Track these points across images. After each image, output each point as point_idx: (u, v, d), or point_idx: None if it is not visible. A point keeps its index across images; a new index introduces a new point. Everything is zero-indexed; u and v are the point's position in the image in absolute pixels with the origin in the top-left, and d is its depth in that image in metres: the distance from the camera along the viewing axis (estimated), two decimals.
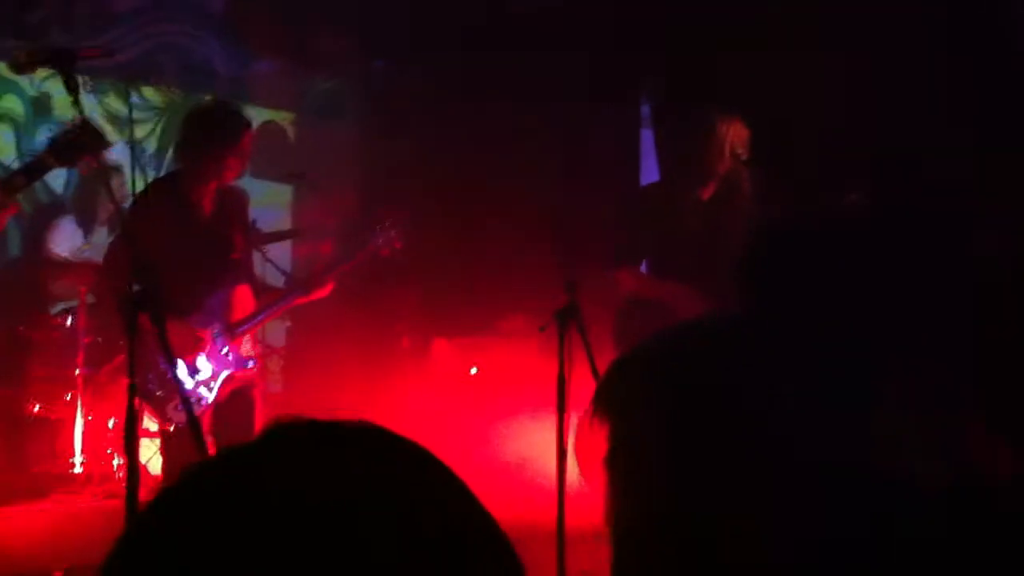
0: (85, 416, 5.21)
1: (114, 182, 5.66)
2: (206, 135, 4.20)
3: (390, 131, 7.47)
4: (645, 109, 7.02)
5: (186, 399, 2.86)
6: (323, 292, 4.40)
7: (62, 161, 3.10)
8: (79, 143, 3.06)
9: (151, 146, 7.21)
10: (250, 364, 4.28)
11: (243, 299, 4.34)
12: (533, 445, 5.02)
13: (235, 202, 4.48)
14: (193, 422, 2.81)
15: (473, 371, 6.51)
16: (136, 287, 2.78)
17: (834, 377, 1.01)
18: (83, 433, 5.21)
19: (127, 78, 6.94)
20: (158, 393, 3.99)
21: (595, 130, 6.62)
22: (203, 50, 7.40)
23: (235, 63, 7.55)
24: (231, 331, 4.23)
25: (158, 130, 7.21)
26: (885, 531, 0.98)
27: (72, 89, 2.95)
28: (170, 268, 4.11)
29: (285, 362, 7.16)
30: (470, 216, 6.77)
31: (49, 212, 6.36)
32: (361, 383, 6.59)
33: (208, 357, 4.17)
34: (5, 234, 6.33)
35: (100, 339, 5.35)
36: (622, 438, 1.00)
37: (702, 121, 4.25)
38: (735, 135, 4.21)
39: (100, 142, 3.14)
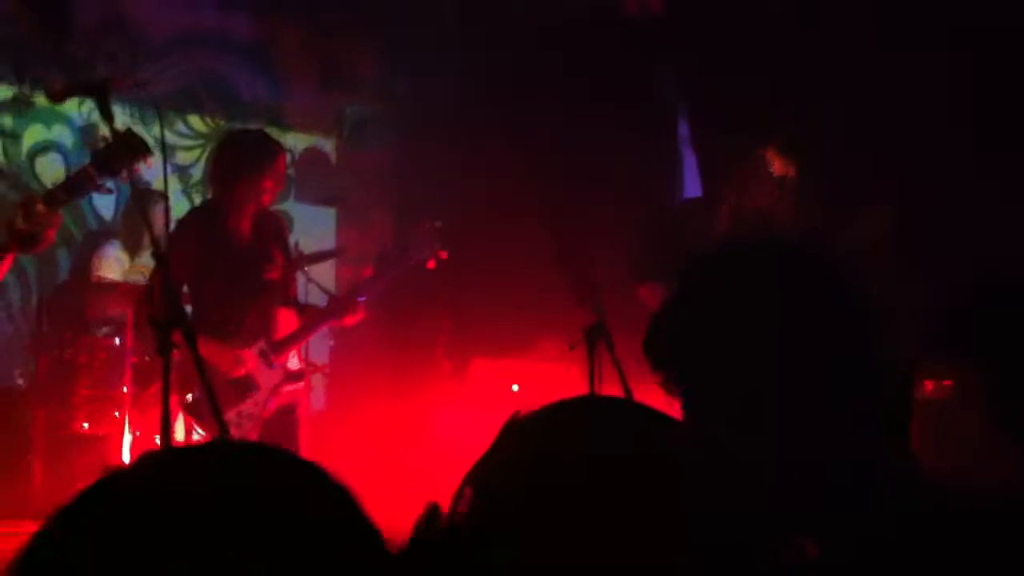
0: (132, 433, 5.33)
1: (157, 207, 5.82)
2: (238, 162, 4.31)
3: (422, 153, 7.56)
4: (683, 128, 7.05)
5: (219, 415, 2.95)
6: (355, 319, 4.46)
7: (104, 171, 3.09)
8: (120, 152, 3.07)
9: (198, 173, 7.38)
10: (298, 379, 4.38)
11: (285, 319, 4.43)
12: None
13: (274, 225, 4.59)
14: (225, 436, 2.91)
15: (515, 388, 6.55)
16: (166, 309, 2.88)
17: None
18: (131, 449, 5.33)
19: (169, 108, 7.12)
20: (205, 411, 4.08)
21: (633, 149, 6.65)
22: (239, 79, 7.56)
23: (271, 91, 7.70)
24: (276, 348, 4.33)
25: (203, 157, 7.38)
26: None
27: (107, 117, 3.03)
28: (211, 291, 4.22)
29: (328, 380, 7.25)
30: (506, 236, 6.82)
31: (97, 237, 6.53)
32: (402, 402, 6.67)
33: (254, 374, 4.28)
34: (55, 258, 6.52)
35: (147, 358, 5.47)
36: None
37: (750, 154, 4.25)
38: (783, 167, 4.21)
39: (140, 149, 3.12)
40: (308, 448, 4.63)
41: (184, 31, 7.34)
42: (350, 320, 4.48)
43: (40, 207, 3.03)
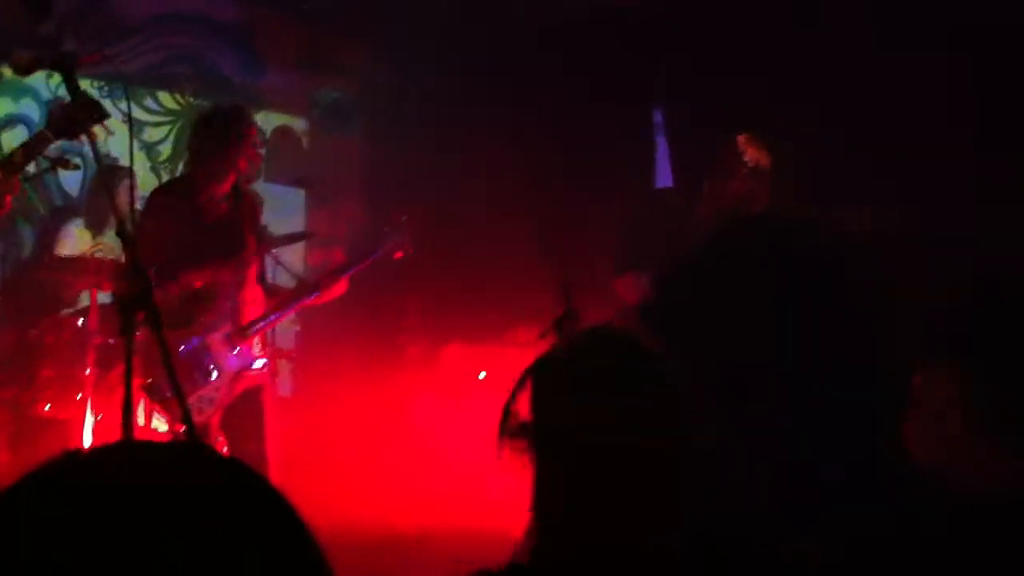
0: (95, 415, 5.25)
1: (123, 184, 5.74)
2: (213, 135, 4.26)
3: (396, 139, 7.52)
4: (657, 115, 7.03)
5: (181, 398, 2.89)
6: (335, 293, 4.43)
7: (60, 134, 3.09)
8: (76, 115, 3.06)
9: (166, 150, 7.30)
10: (259, 365, 4.32)
11: (254, 301, 4.37)
12: None
13: (249, 205, 4.53)
14: (188, 422, 2.86)
15: (482, 376, 6.53)
16: (133, 290, 2.82)
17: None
18: (93, 432, 5.25)
19: (141, 84, 7.06)
20: (168, 393, 4.02)
21: (605, 136, 6.63)
22: (217, 59, 7.50)
23: (249, 72, 7.64)
24: (241, 332, 4.27)
25: (172, 134, 7.30)
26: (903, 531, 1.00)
27: (74, 91, 2.99)
28: (182, 268, 4.16)
29: (294, 365, 7.20)
30: (479, 224, 6.80)
31: (62, 214, 6.44)
32: (370, 388, 6.62)
33: (218, 358, 4.22)
34: (19, 236, 6.43)
35: (111, 340, 5.39)
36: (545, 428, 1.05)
37: (723, 140, 4.24)
38: (756, 154, 4.20)
39: (98, 113, 3.11)
40: (273, 433, 4.59)
41: (162, 10, 7.28)
42: (330, 294, 4.43)
43: None
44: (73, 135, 3.07)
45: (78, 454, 0.82)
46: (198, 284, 4.23)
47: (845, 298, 1.22)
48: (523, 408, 1.13)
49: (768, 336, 1.16)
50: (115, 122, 6.39)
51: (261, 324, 4.36)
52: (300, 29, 7.48)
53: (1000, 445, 1.29)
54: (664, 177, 6.77)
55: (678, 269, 1.31)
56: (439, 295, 7.09)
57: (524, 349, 6.15)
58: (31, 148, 3.07)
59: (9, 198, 3.03)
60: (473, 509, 5.39)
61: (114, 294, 2.91)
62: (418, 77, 7.29)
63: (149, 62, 7.19)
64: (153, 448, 0.86)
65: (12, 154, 3.10)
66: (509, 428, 1.10)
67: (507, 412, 1.13)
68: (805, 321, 1.18)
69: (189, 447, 0.86)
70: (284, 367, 7.01)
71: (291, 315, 4.86)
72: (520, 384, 1.13)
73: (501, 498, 5.03)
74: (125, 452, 0.85)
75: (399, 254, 4.58)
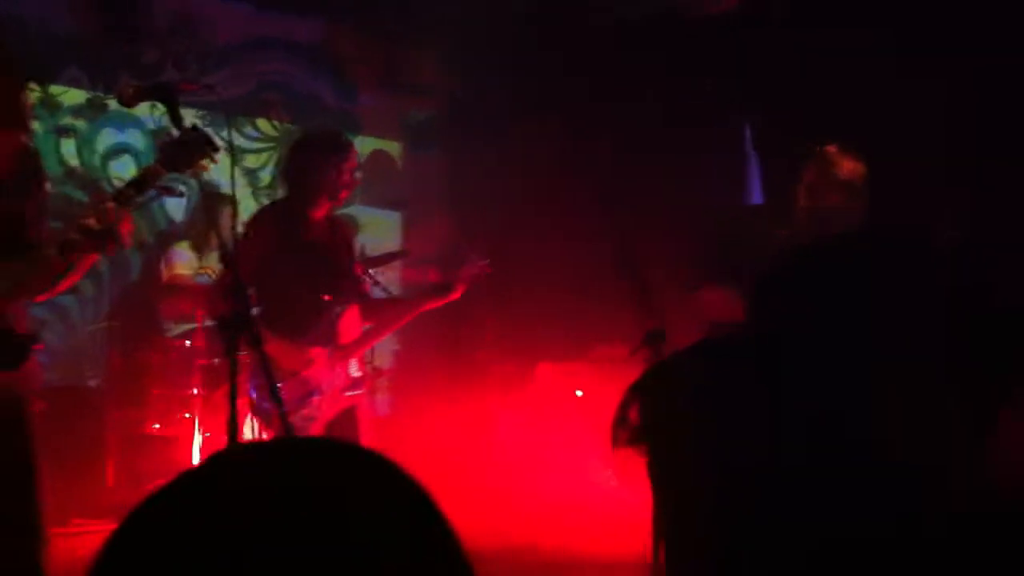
0: (202, 434, 5.42)
1: (226, 210, 5.90)
2: (311, 159, 4.35)
3: (479, 157, 7.58)
4: (746, 130, 6.99)
5: (283, 417, 2.97)
6: (455, 295, 4.46)
7: (169, 167, 3.14)
8: (185, 149, 3.12)
9: (266, 177, 7.49)
10: (358, 385, 4.40)
11: (352, 321, 4.46)
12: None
13: (343, 229, 4.62)
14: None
15: (578, 393, 6.54)
16: (233, 310, 2.91)
17: (840, 383, 1.07)
18: (200, 450, 5.42)
19: (238, 112, 7.24)
20: (272, 411, 4.12)
21: (688, 150, 6.61)
22: (308, 84, 7.67)
23: (339, 95, 7.80)
24: (341, 353, 4.36)
25: (271, 160, 7.49)
26: (903, 529, 1.01)
27: (176, 120, 3.08)
28: (284, 290, 4.26)
29: (392, 384, 7.31)
30: (562, 240, 6.82)
31: (167, 238, 6.65)
32: (466, 405, 6.69)
33: (319, 377, 4.31)
34: (126, 260, 6.65)
35: (217, 360, 5.55)
36: (660, 439, 1.07)
37: (817, 154, 4.18)
38: (851, 166, 4.14)
39: (205, 146, 3.17)
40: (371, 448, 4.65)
41: (251, 36, 7.46)
42: (450, 297, 4.45)
43: (110, 205, 3.07)
44: (183, 168, 3.14)
45: (225, 454, 0.85)
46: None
47: (952, 318, 1.22)
48: (633, 419, 1.14)
49: (867, 358, 1.17)
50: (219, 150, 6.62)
51: (359, 344, 4.44)
52: (382, 47, 7.60)
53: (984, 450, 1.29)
54: (755, 194, 6.73)
55: (774, 286, 1.32)
56: (533, 313, 7.13)
57: (615, 364, 6.18)
58: (143, 181, 3.16)
59: (125, 229, 3.11)
60: (578, 528, 5.41)
61: (215, 315, 3.00)
62: (497, 94, 7.35)
63: (244, 90, 7.39)
64: (307, 445, 0.87)
65: (124, 187, 3.19)
66: (624, 438, 1.11)
67: (619, 424, 1.13)
68: (908, 341, 1.19)
69: (340, 445, 0.85)
70: (382, 385, 7.12)
71: (388, 335, 4.92)
72: (632, 396, 1.14)
73: (606, 516, 4.99)
74: (278, 451, 0.86)
75: (478, 279, 4.57)
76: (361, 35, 7.68)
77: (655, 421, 1.09)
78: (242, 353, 3.01)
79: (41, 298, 3.48)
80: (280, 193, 4.62)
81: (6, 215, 3.14)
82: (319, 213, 4.39)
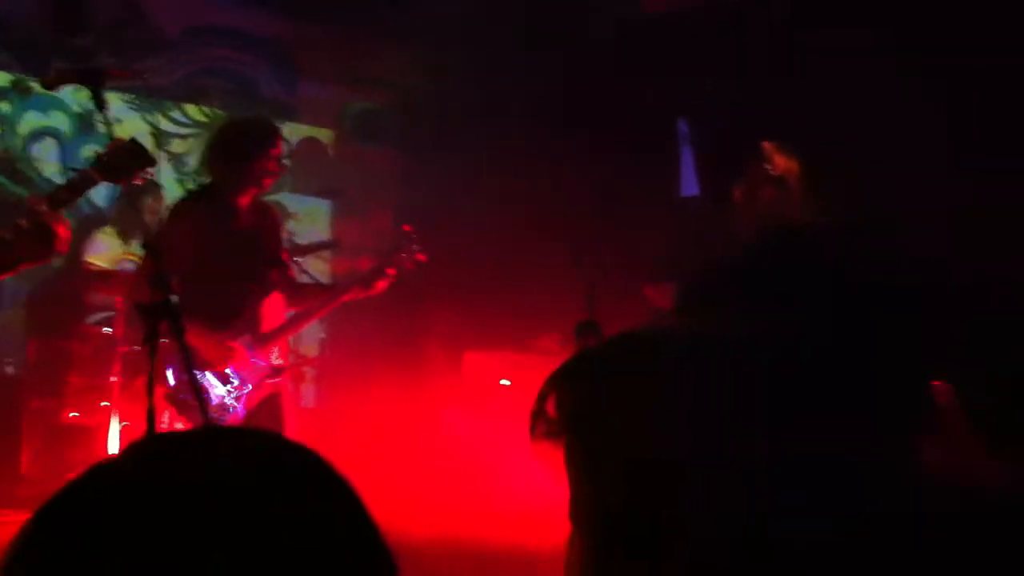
0: (121, 423, 5.32)
1: (150, 197, 5.83)
2: (238, 144, 4.29)
3: (426, 150, 7.56)
4: (682, 125, 7.05)
5: (203, 406, 2.93)
6: (382, 284, 4.42)
7: (108, 178, 3.14)
8: (126, 161, 3.12)
9: (193, 162, 7.38)
10: (278, 374, 4.35)
11: (275, 309, 4.41)
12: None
13: (270, 216, 4.57)
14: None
15: (505, 383, 6.55)
16: (155, 298, 2.88)
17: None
18: (119, 439, 5.32)
19: (169, 97, 7.13)
20: (190, 400, 4.06)
21: (634, 146, 6.65)
22: (251, 72, 7.57)
23: (282, 85, 7.71)
24: (262, 340, 4.31)
25: (199, 146, 7.39)
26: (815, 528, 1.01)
27: (100, 106, 3.04)
28: (207, 277, 4.20)
29: (318, 373, 7.25)
30: (505, 233, 6.83)
31: (90, 224, 6.52)
32: (393, 394, 6.66)
33: (239, 367, 4.26)
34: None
35: (137, 348, 5.46)
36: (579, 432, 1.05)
37: (753, 151, 4.24)
38: (784, 162, 4.20)
39: (145, 161, 3.19)
40: (294, 440, 4.61)
41: (197, 26, 7.36)
42: (374, 290, 4.41)
43: (43, 207, 3.04)
44: (120, 179, 3.13)
45: (142, 444, 0.82)
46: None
47: (880, 306, 1.22)
48: (551, 411, 1.12)
49: (797, 347, 1.17)
50: (143, 134, 6.51)
51: (282, 332, 4.39)
52: (338, 42, 7.53)
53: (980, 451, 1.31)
54: (689, 185, 6.79)
55: (708, 275, 1.31)
56: (465, 303, 7.12)
57: (547, 356, 6.21)
58: (76, 187, 3.13)
59: (61, 229, 3.07)
60: (501, 519, 5.42)
61: (137, 302, 2.96)
62: (451, 90, 7.33)
63: (182, 75, 7.28)
64: (227, 434, 0.87)
65: (58, 192, 3.16)
66: (541, 430, 1.09)
67: (537, 415, 1.12)
68: (838, 332, 1.19)
69: (258, 434, 0.84)
70: (308, 374, 7.06)
71: (314, 322, 4.87)
72: (550, 387, 1.12)
73: (527, 508, 5.00)
74: (196, 440, 0.84)
75: (410, 265, 4.55)
76: (317, 27, 7.58)
77: (572, 413, 1.08)
78: (162, 341, 2.96)
79: None
80: (206, 179, 4.55)
81: None
82: (245, 200, 4.34)
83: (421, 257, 4.50)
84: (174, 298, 2.98)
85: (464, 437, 6.35)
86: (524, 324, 6.70)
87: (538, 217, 6.61)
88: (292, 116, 7.63)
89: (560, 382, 1.06)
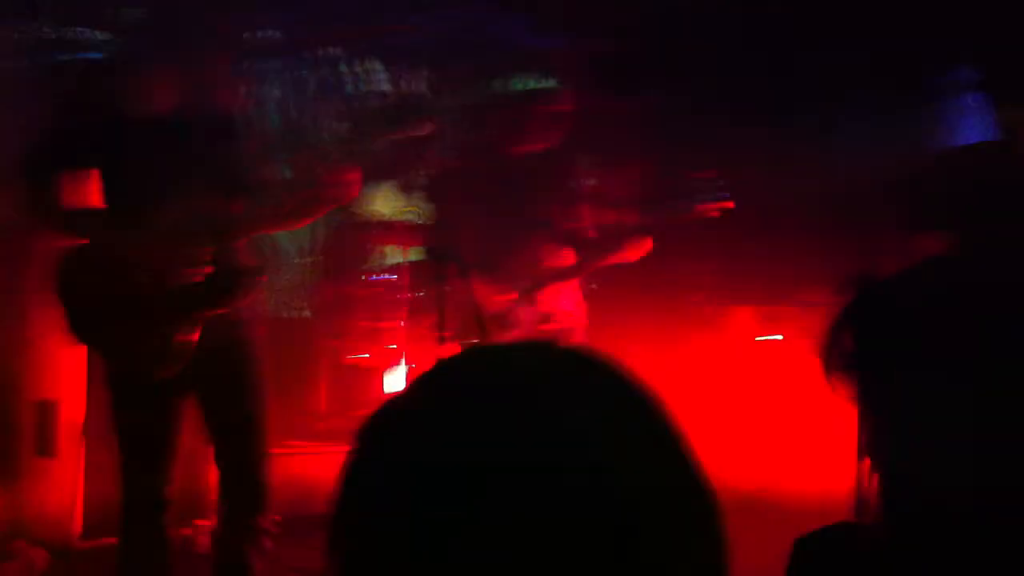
0: (408, 364, 5.62)
1: (428, 150, 6.07)
2: (513, 106, 4.42)
3: (689, 97, 7.46)
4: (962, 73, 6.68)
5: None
6: (640, 252, 4.46)
7: (389, 130, 3.31)
8: (405, 115, 3.29)
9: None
10: (547, 321, 4.46)
11: (554, 256, 4.51)
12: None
13: (545, 164, 4.67)
14: None
15: (777, 338, 6.45)
16: (440, 243, 3.03)
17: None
18: (405, 380, 5.62)
19: (425, 58, 7.34)
20: (476, 343, 4.23)
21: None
22: (501, 27, 7.66)
23: (531, 38, 7.76)
24: (540, 286, 4.43)
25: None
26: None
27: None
28: (485, 226, 4.37)
29: (587, 322, 7.35)
30: (772, 185, 6.69)
31: (369, 173, 6.82)
32: (659, 346, 6.69)
33: (515, 312, 4.40)
34: None
35: (423, 293, 5.72)
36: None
37: None
38: None
39: (425, 113, 3.34)
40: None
41: None
42: (635, 253, 4.46)
43: (333, 157, 3.25)
44: (399, 132, 3.28)
45: (463, 354, 0.87)
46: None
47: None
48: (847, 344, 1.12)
49: None
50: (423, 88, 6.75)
51: (559, 278, 4.49)
52: None
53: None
54: (967, 134, 6.45)
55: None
56: (730, 257, 7.03)
57: (818, 310, 6.07)
58: (360, 138, 3.32)
59: (354, 176, 3.25)
60: (788, 468, 5.38)
61: (426, 247, 3.13)
62: (709, 36, 7.22)
63: (441, 32, 7.45)
64: (537, 347, 0.87)
65: (343, 143, 3.33)
66: (836, 364, 1.10)
67: (832, 348, 1.12)
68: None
69: (580, 354, 0.86)
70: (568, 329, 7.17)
71: (588, 272, 4.94)
72: (843, 322, 1.12)
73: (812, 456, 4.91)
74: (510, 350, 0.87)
75: (716, 212, 4.49)
76: None
77: (869, 346, 1.08)
78: (447, 286, 3.11)
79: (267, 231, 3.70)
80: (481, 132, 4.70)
81: (236, 157, 3.35)
82: (517, 152, 4.45)
83: (729, 204, 4.44)
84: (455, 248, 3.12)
85: (726, 389, 6.31)
86: (788, 276, 6.56)
87: (802, 166, 6.44)
88: (548, 70, 7.68)
89: (856, 315, 1.06)
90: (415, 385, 0.84)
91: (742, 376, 6.32)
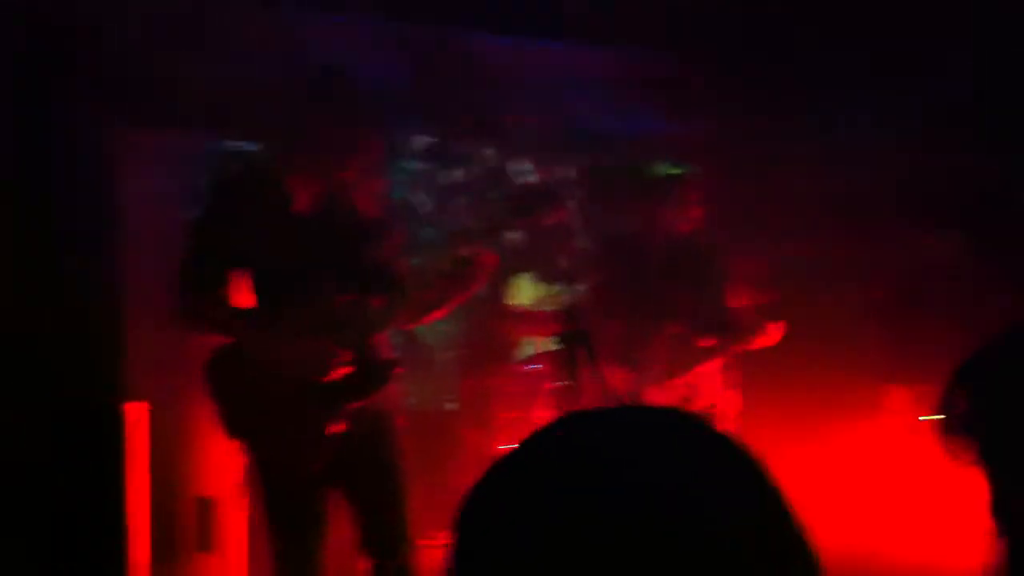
0: None
1: (562, 238, 6.18)
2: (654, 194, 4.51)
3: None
4: None
5: None
6: (779, 334, 4.43)
7: (519, 219, 3.40)
8: (534, 203, 3.39)
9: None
10: (691, 404, 4.45)
11: (691, 342, 4.51)
12: None
13: (708, 254, 4.74)
14: None
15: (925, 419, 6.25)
16: (571, 327, 3.10)
17: None
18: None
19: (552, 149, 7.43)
20: None
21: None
22: (607, 119, 7.72)
23: (664, 124, 7.78)
24: (671, 373, 4.44)
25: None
26: None
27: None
28: (626, 317, 4.42)
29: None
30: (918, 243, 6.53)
31: (509, 268, 6.93)
32: (817, 429, 6.51)
33: (649, 395, 4.41)
34: None
35: (566, 382, 5.75)
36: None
37: None
38: None
39: (552, 202, 3.44)
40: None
41: (556, 75, 7.61)
42: (761, 342, 4.45)
43: (466, 251, 3.36)
44: (529, 220, 3.39)
45: (575, 415, 0.89)
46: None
47: None
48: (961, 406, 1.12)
49: None
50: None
51: (698, 362, 4.49)
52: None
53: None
54: None
55: None
56: (881, 329, 6.84)
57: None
58: (490, 228, 3.44)
59: (488, 259, 3.36)
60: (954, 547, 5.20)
61: (555, 333, 3.21)
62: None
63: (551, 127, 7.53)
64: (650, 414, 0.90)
65: (474, 232, 3.44)
66: (953, 425, 1.10)
67: (948, 409, 1.12)
68: None
69: (682, 414, 0.87)
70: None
71: (729, 355, 4.90)
72: (957, 383, 1.12)
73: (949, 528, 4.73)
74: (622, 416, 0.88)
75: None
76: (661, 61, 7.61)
77: (987, 405, 1.08)
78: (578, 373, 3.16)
79: (406, 327, 3.83)
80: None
81: (376, 255, 3.49)
82: (659, 243, 4.52)
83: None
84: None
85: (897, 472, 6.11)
86: (948, 353, 6.33)
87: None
88: (671, 154, 7.67)
89: (970, 376, 1.06)
90: (518, 454, 0.87)
91: (905, 455, 6.12)
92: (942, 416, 1.12)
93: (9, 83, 3.82)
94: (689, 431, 0.84)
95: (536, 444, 0.86)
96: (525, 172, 7.34)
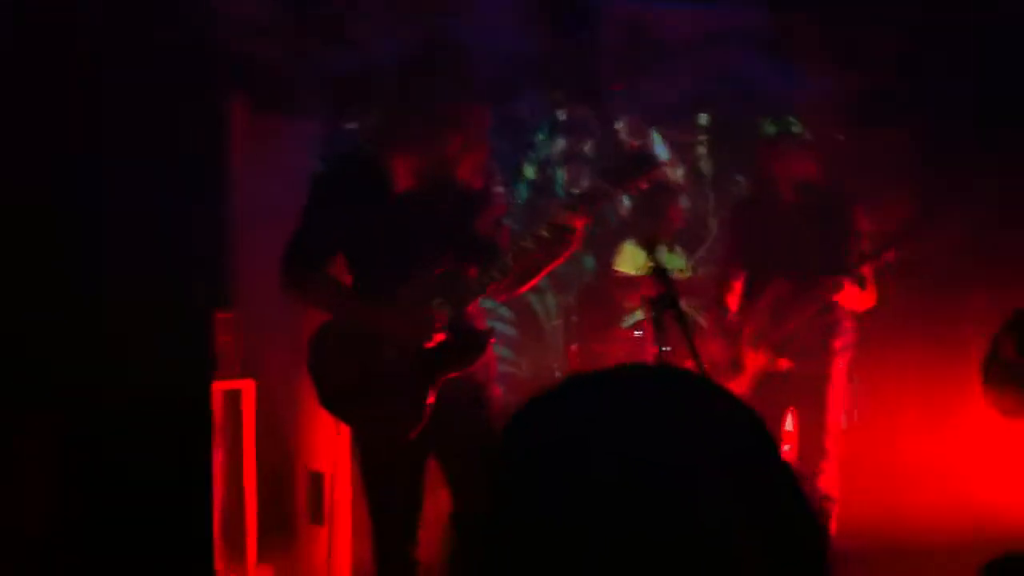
0: None
1: (671, 203, 6.09)
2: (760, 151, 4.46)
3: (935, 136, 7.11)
4: None
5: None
6: (872, 300, 4.34)
7: (616, 184, 3.37)
8: (630, 168, 3.35)
9: (705, 167, 7.54)
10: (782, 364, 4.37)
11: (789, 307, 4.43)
12: None
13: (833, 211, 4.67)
14: None
15: None
16: (661, 290, 3.07)
17: None
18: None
19: (677, 112, 7.34)
20: None
21: None
22: (754, 73, 7.56)
23: (786, 80, 7.61)
24: (767, 338, 4.37)
25: (707, 151, 7.52)
26: None
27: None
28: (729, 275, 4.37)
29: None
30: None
31: (617, 234, 6.86)
32: (928, 388, 6.34)
33: (745, 357, 4.34)
34: (580, 258, 6.99)
35: (668, 348, 5.70)
36: None
37: None
38: None
39: (649, 165, 3.40)
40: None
41: (698, 33, 7.51)
42: (861, 303, 4.34)
43: (562, 218, 3.34)
44: (626, 185, 3.37)
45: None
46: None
47: None
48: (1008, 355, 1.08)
49: None
50: (657, 142, 6.82)
51: (792, 327, 4.39)
52: (832, 25, 7.32)
53: None
54: None
55: None
56: (1002, 290, 6.59)
57: None
58: (588, 194, 3.42)
59: (575, 237, 3.35)
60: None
61: (645, 296, 3.20)
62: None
63: (690, 86, 7.46)
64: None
65: (572, 198, 3.42)
66: (996, 374, 1.05)
67: (993, 359, 1.08)
68: None
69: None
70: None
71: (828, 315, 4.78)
72: (1005, 334, 1.08)
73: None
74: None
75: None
76: (807, 16, 7.45)
77: None
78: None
79: (501, 298, 3.84)
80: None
81: (475, 226, 3.50)
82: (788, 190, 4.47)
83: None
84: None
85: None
86: None
87: None
88: (794, 111, 7.51)
89: (1018, 326, 1.02)
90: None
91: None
92: (987, 362, 1.07)
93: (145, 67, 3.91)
94: (685, 397, 0.84)
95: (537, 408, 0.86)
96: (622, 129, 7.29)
